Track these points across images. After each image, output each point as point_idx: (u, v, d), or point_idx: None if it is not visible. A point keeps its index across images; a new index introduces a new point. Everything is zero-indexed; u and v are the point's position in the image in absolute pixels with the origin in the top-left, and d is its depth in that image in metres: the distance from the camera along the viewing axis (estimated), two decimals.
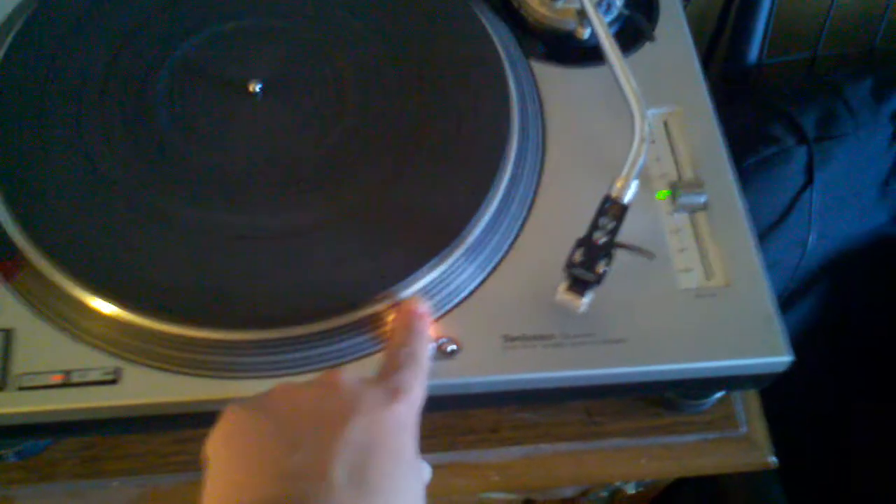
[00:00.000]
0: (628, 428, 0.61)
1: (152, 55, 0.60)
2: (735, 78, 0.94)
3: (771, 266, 0.57)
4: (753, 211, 0.59)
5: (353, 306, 0.51)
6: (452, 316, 0.53)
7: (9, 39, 0.59)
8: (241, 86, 0.59)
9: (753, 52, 0.92)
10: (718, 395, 0.62)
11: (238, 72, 0.60)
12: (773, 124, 0.83)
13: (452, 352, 0.52)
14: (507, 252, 0.55)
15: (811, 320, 0.94)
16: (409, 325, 0.49)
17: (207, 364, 0.50)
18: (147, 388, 0.49)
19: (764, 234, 0.82)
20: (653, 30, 0.65)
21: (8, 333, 0.50)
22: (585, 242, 0.51)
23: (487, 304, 0.53)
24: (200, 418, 0.50)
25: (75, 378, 0.49)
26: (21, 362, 0.49)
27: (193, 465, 0.56)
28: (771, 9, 0.91)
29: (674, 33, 0.66)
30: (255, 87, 0.59)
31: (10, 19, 0.61)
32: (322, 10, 0.63)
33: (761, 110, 0.86)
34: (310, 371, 0.50)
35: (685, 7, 0.68)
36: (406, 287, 0.52)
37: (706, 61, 0.99)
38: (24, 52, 0.59)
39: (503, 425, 0.60)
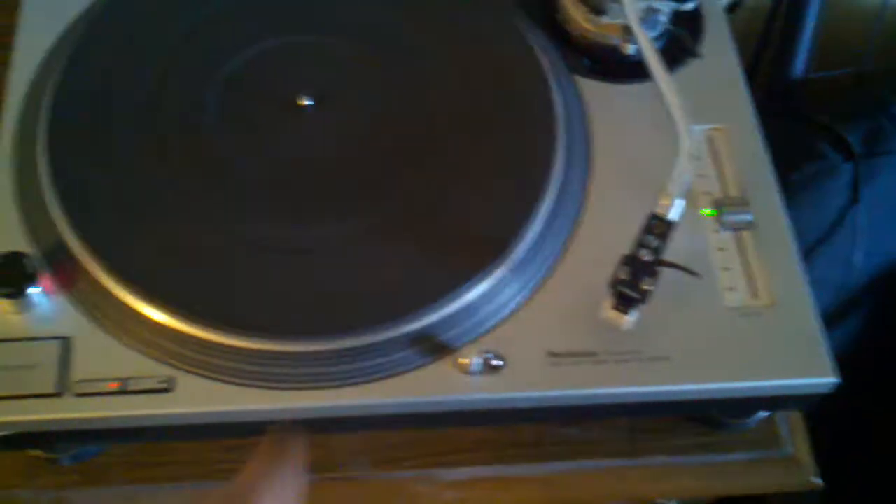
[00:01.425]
0: (671, 445, 0.61)
1: (204, 69, 0.61)
2: (780, 93, 0.93)
3: (815, 284, 0.57)
4: (797, 227, 0.58)
5: (401, 320, 0.52)
6: (497, 332, 0.53)
7: (67, 55, 0.61)
8: (291, 100, 0.60)
9: (799, 67, 0.91)
10: (762, 414, 0.62)
11: (288, 86, 0.61)
12: (819, 140, 0.83)
13: (497, 367, 0.52)
14: (552, 268, 0.55)
15: (856, 340, 0.93)
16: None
17: (259, 375, 0.51)
18: (199, 398, 0.50)
19: (808, 252, 0.82)
20: (698, 46, 0.65)
21: (66, 341, 0.51)
22: (631, 260, 0.52)
23: (532, 320, 0.54)
24: (250, 428, 0.52)
25: (131, 386, 0.50)
26: (78, 369, 0.50)
27: None
28: (817, 23, 0.90)
29: (719, 49, 0.66)
30: (305, 102, 0.60)
31: (67, 33, 0.63)
32: (370, 26, 0.64)
33: (806, 126, 0.86)
34: (352, 384, 0.51)
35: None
36: (452, 301, 0.52)
37: (750, 75, 0.98)
38: (81, 67, 0.60)
39: (546, 440, 0.60)
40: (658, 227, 0.52)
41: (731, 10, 0.89)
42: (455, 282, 0.53)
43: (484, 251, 0.54)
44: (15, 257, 0.51)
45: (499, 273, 0.54)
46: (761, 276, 0.56)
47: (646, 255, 0.52)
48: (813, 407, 0.56)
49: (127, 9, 0.64)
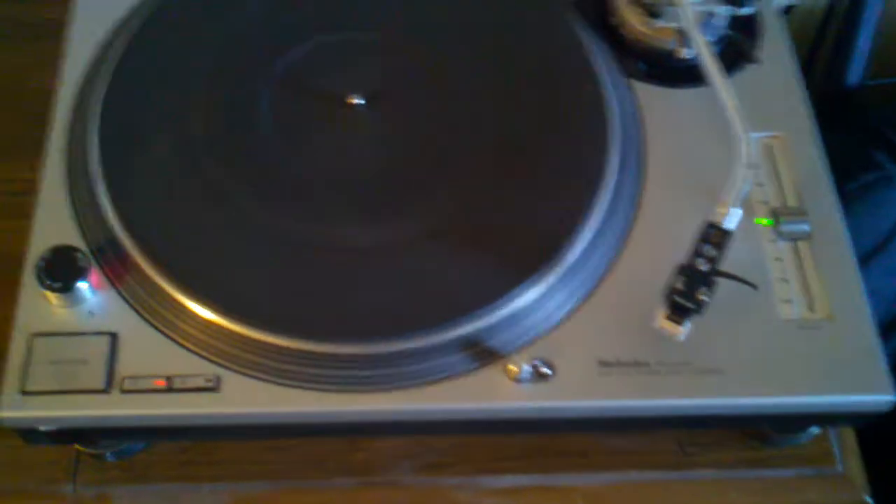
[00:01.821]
0: (720, 459, 0.60)
1: (255, 67, 0.61)
2: (834, 100, 0.91)
3: (870, 294, 0.56)
4: (853, 237, 0.57)
5: (450, 324, 0.51)
6: (547, 339, 0.52)
7: (119, 51, 0.61)
8: (342, 99, 0.60)
9: (855, 73, 0.89)
10: (814, 430, 0.60)
11: (339, 84, 0.60)
12: (876, 150, 0.81)
13: (546, 374, 0.51)
14: (604, 274, 0.55)
15: None
16: None
17: (305, 376, 0.50)
18: (245, 398, 0.50)
19: (863, 261, 0.80)
20: (756, 50, 0.64)
21: (115, 337, 0.51)
22: (687, 269, 0.51)
23: (583, 327, 0.53)
24: (296, 429, 0.51)
25: (177, 384, 0.50)
26: (125, 365, 0.50)
27: (285, 473, 0.58)
28: (875, 28, 0.88)
29: (778, 54, 0.65)
30: (356, 101, 0.59)
31: (120, 28, 0.63)
32: (423, 26, 0.64)
33: (863, 134, 0.84)
34: (398, 388, 0.51)
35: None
36: (502, 306, 0.52)
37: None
38: (134, 63, 0.60)
39: (593, 450, 0.59)
40: (714, 236, 0.52)
41: (784, 12, 0.88)
42: (505, 287, 0.52)
43: (535, 256, 0.53)
44: (66, 251, 0.51)
45: (550, 279, 0.53)
46: (818, 289, 0.55)
47: (702, 265, 0.51)
48: (868, 424, 0.55)
49: (180, 4, 0.64)
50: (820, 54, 0.95)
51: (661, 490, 0.59)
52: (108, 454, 0.56)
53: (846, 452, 0.61)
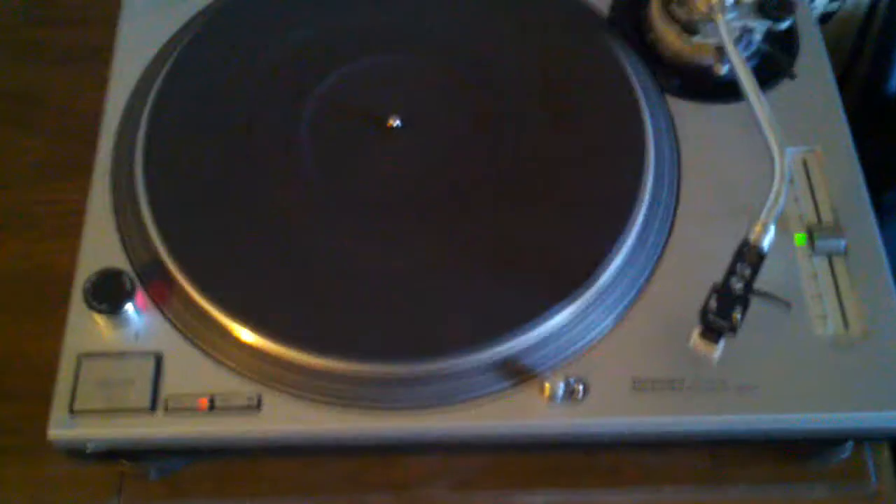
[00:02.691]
0: (753, 475, 0.59)
1: (297, 89, 0.62)
2: (875, 107, 0.90)
3: None
4: (890, 250, 0.57)
5: (485, 344, 0.52)
6: (582, 358, 0.53)
7: (164, 74, 0.62)
8: (381, 120, 0.60)
9: (894, 83, 0.88)
10: (849, 444, 0.60)
11: (378, 106, 0.61)
12: None
13: (581, 393, 0.51)
14: (638, 293, 0.55)
15: None
16: None
17: (344, 395, 0.51)
18: (286, 417, 0.51)
19: None
20: (793, 66, 0.64)
21: (159, 358, 0.52)
22: (721, 289, 0.51)
23: (617, 346, 0.53)
24: (335, 448, 0.52)
25: (219, 403, 0.51)
26: (169, 385, 0.51)
27: (324, 490, 0.58)
28: None
29: (814, 68, 0.64)
30: (395, 123, 0.60)
31: (165, 52, 0.64)
32: (461, 47, 0.64)
33: None
34: (434, 407, 0.51)
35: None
36: (537, 326, 0.52)
37: (840, 89, 0.95)
38: (178, 86, 0.62)
39: (625, 466, 0.59)
40: (750, 255, 0.51)
41: (822, 21, 0.87)
42: (540, 307, 0.53)
43: (570, 277, 0.54)
44: (112, 275, 0.53)
45: (584, 299, 0.53)
46: (854, 305, 0.55)
47: (737, 284, 0.51)
48: None
49: (222, 29, 0.65)
50: (860, 61, 0.94)
51: None
52: (151, 472, 0.58)
53: (880, 469, 0.60)
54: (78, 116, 0.68)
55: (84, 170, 0.59)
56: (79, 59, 0.73)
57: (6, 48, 0.76)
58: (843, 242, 0.57)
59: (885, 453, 0.61)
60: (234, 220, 0.57)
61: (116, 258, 0.55)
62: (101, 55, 0.65)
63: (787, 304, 0.52)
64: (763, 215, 0.52)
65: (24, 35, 0.76)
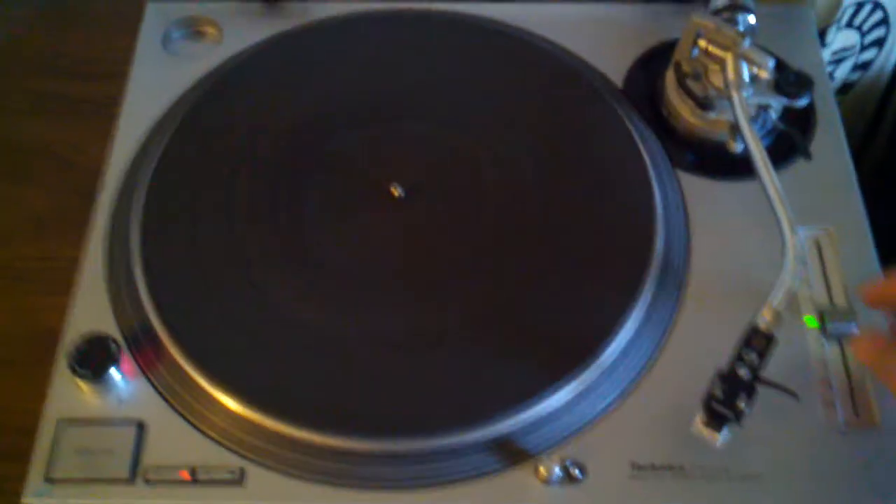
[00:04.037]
0: None
1: (299, 158, 0.62)
2: (891, 180, 0.89)
3: None
4: None
5: (479, 424, 0.50)
6: (580, 439, 0.51)
7: (164, 141, 0.62)
8: (385, 189, 0.60)
9: None
10: None
11: (381, 175, 0.60)
12: None
13: (577, 478, 0.50)
14: (641, 375, 0.53)
15: None
16: None
17: (329, 472, 0.50)
18: (268, 492, 0.49)
19: None
20: (809, 145, 0.63)
21: (141, 426, 0.51)
22: (727, 376, 0.49)
23: (617, 428, 0.52)
24: None
25: (201, 475, 0.49)
26: (151, 454, 0.50)
27: None
28: None
29: (830, 147, 0.63)
30: (399, 192, 0.60)
31: (169, 113, 0.64)
32: (472, 115, 0.64)
33: None
34: (424, 487, 0.50)
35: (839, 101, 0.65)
36: (535, 406, 0.51)
37: (858, 156, 0.94)
38: (178, 152, 0.61)
39: None
40: (757, 341, 0.50)
41: (841, 91, 0.86)
42: (538, 387, 0.51)
43: (570, 356, 0.52)
44: (99, 341, 0.52)
45: (584, 379, 0.52)
46: (866, 394, 0.53)
47: (743, 372, 0.49)
48: None
49: (230, 90, 0.65)
50: (880, 129, 0.93)
51: None
52: None
53: None
54: (80, 171, 0.68)
55: (81, 226, 0.59)
56: (85, 112, 0.74)
57: (13, 98, 0.76)
58: (855, 327, 0.55)
59: None
60: (226, 289, 0.56)
61: (105, 320, 0.55)
62: (107, 110, 0.65)
63: (795, 395, 0.51)
64: (772, 302, 0.50)
65: (33, 86, 0.76)
